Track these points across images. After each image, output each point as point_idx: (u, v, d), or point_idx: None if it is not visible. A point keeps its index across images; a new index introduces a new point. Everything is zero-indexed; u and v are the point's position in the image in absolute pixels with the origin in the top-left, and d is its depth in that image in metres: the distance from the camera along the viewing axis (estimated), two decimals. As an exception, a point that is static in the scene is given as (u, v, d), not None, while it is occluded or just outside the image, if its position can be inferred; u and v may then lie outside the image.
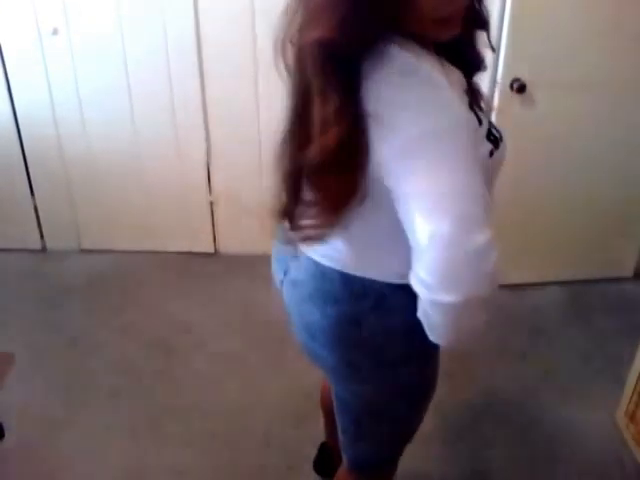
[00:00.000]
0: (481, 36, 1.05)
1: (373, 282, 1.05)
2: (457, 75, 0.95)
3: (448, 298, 0.85)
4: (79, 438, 2.02)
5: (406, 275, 0.91)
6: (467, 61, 1.03)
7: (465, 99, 0.93)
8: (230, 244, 2.93)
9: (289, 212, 1.00)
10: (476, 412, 2.10)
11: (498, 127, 1.03)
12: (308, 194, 0.95)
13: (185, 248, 2.94)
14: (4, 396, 2.15)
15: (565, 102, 2.32)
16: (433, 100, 0.85)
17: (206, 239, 2.93)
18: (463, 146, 0.85)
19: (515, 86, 2.20)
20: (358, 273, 1.06)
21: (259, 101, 2.56)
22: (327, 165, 0.88)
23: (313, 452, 1.86)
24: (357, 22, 0.81)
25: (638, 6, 2.17)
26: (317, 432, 1.87)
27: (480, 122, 0.95)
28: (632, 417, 1.95)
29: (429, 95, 0.85)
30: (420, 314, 0.95)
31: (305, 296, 1.15)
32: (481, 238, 0.82)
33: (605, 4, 2.17)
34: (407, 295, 0.94)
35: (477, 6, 0.99)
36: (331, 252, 1.08)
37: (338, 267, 1.07)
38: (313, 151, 0.88)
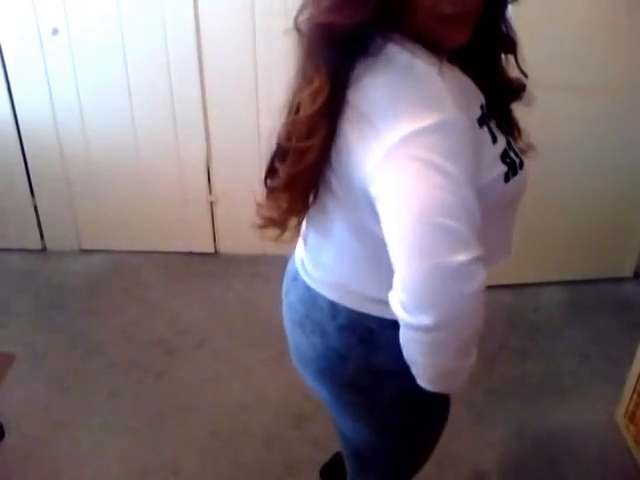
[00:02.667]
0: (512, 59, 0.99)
1: (361, 315, 1.00)
2: (465, 83, 0.88)
3: (422, 319, 0.78)
4: (79, 438, 2.02)
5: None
6: (501, 85, 0.99)
7: (475, 111, 0.87)
8: (230, 244, 2.93)
9: (269, 190, 0.99)
10: (476, 412, 2.10)
11: (521, 156, 0.96)
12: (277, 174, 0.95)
13: (185, 248, 2.93)
14: (4, 396, 2.15)
15: (565, 102, 2.32)
16: (421, 99, 0.79)
17: (206, 239, 2.93)
18: (454, 149, 0.78)
19: (515, 86, 2.20)
20: (346, 304, 1.01)
21: (259, 101, 2.56)
22: (291, 144, 0.88)
23: (313, 452, 1.86)
24: (346, 8, 0.78)
25: (637, 7, 2.17)
26: (317, 432, 1.87)
27: (494, 140, 0.89)
28: (632, 417, 1.95)
29: (418, 94, 0.80)
30: (401, 346, 0.88)
31: (296, 322, 1.12)
32: (462, 257, 0.75)
33: (605, 5, 2.17)
34: (398, 332, 0.87)
35: (504, 29, 0.95)
36: (322, 277, 1.05)
37: (328, 295, 1.03)
38: (282, 134, 0.90)
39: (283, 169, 0.91)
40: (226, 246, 2.94)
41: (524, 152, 1.03)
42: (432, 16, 0.81)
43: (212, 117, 2.64)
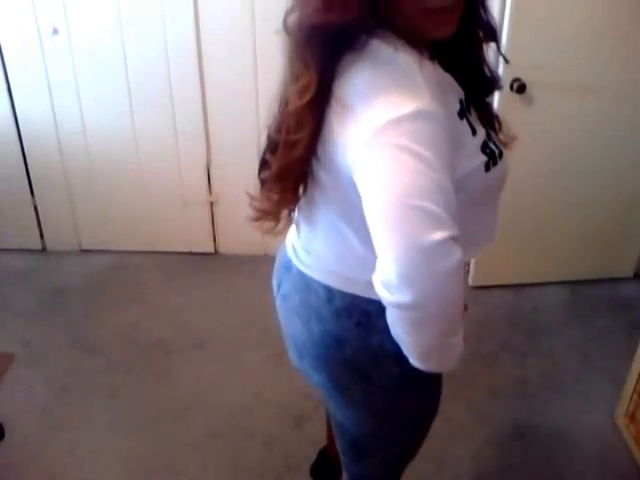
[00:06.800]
0: (491, 47, 1.03)
1: (356, 298, 1.02)
2: (444, 78, 0.91)
3: (402, 297, 0.80)
4: (79, 438, 2.02)
5: None
6: (480, 79, 1.02)
7: (454, 105, 0.90)
8: (230, 244, 2.93)
9: (261, 183, 1.04)
10: (476, 412, 2.10)
11: (500, 146, 1.00)
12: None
13: (185, 248, 2.94)
14: (4, 396, 2.15)
15: (565, 102, 2.32)
16: (401, 89, 0.83)
17: (206, 239, 2.93)
18: (431, 137, 0.81)
19: (515, 86, 2.20)
20: (342, 287, 1.03)
21: (259, 101, 2.56)
22: (281, 143, 0.92)
23: (313, 452, 1.86)
24: (333, 9, 0.81)
25: (638, 7, 2.17)
26: (317, 432, 1.87)
27: (474, 132, 0.92)
28: (632, 417, 1.94)
29: (398, 84, 0.83)
30: (389, 325, 0.90)
31: (292, 309, 1.12)
32: (438, 236, 0.78)
33: (605, 5, 2.17)
34: None
35: (484, 17, 0.97)
36: (316, 263, 1.07)
37: (322, 280, 1.05)
38: (272, 127, 0.95)
39: (274, 161, 0.95)
40: (226, 246, 2.94)
41: (506, 144, 1.07)
42: (419, 10, 0.84)
43: (212, 117, 2.64)
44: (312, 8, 0.83)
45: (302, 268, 1.09)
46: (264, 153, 1.02)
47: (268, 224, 1.03)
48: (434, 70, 0.89)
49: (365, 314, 1.02)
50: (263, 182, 1.02)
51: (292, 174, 0.95)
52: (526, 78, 2.19)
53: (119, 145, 2.73)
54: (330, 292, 1.04)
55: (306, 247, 1.09)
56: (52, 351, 2.37)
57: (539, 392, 2.19)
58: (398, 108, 0.80)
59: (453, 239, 0.79)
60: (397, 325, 0.87)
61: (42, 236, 2.96)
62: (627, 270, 2.77)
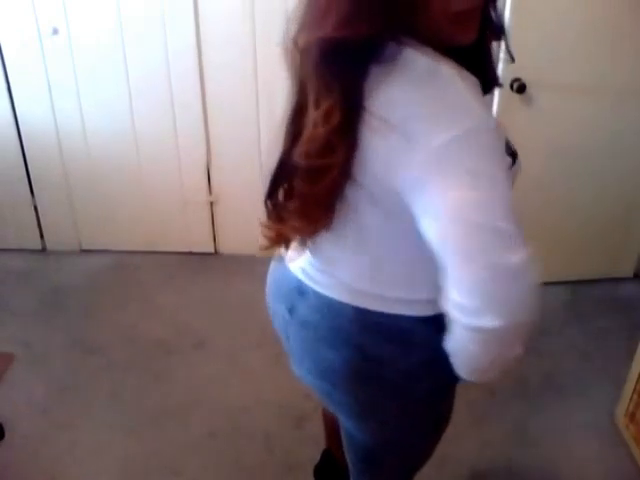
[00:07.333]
0: (497, 46, 1.00)
1: (391, 317, 0.97)
2: (474, 81, 0.86)
3: (486, 321, 0.79)
4: (79, 438, 2.02)
5: (432, 304, 0.84)
6: (486, 76, 0.98)
7: (486, 105, 0.87)
8: (230, 244, 2.93)
9: (268, 208, 0.97)
10: (476, 412, 2.10)
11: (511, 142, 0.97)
12: (288, 196, 0.92)
13: (185, 248, 2.94)
14: (4, 396, 2.15)
15: (565, 102, 2.32)
16: (453, 104, 0.78)
17: (206, 239, 2.93)
18: (491, 151, 0.78)
19: (515, 86, 2.20)
20: (374, 308, 0.98)
21: (259, 101, 2.56)
22: (308, 169, 0.85)
23: (314, 452, 1.85)
24: (360, 20, 0.76)
25: (639, 8, 2.17)
26: (317, 432, 1.86)
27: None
28: (632, 417, 1.94)
29: (449, 99, 0.79)
30: (451, 344, 0.88)
31: (318, 338, 1.05)
32: (517, 257, 0.76)
33: (606, 5, 2.17)
34: (433, 328, 0.88)
35: (493, 15, 0.93)
36: (343, 285, 1.00)
37: (352, 302, 0.99)
38: (298, 152, 0.86)
39: (301, 188, 0.88)
40: (226, 246, 2.94)
41: None
42: (445, 17, 0.80)
43: (212, 118, 2.64)
44: (334, 22, 0.77)
45: (324, 291, 1.02)
46: (275, 178, 0.94)
47: (278, 250, 0.99)
48: (469, 77, 0.85)
49: (401, 331, 0.99)
50: (274, 208, 0.95)
51: (322, 202, 0.87)
52: (526, 78, 2.19)
53: (119, 145, 2.73)
54: (362, 313, 0.99)
55: (326, 269, 1.02)
56: (52, 351, 2.37)
57: (539, 392, 2.19)
58: (454, 126, 0.76)
59: (530, 256, 0.78)
60: (467, 344, 0.85)
61: (42, 236, 2.96)
62: (627, 270, 2.77)
